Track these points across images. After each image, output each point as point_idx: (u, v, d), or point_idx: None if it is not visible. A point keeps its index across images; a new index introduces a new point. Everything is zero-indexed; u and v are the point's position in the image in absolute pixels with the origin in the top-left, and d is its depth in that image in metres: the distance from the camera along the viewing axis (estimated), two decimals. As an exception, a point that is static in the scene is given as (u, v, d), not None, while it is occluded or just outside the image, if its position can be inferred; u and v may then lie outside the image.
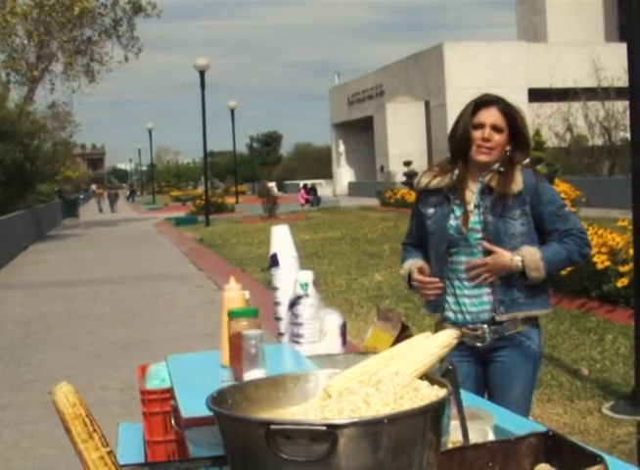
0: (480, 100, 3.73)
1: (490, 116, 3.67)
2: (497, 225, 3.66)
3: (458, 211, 3.74)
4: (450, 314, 3.80)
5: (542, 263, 3.59)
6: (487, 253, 3.66)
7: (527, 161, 4.01)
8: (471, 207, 3.72)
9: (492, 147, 3.66)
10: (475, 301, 3.74)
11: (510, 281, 3.68)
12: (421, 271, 3.81)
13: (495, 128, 3.66)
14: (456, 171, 3.77)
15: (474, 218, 3.71)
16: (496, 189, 3.67)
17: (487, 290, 3.72)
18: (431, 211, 3.82)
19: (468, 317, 3.75)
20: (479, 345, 3.73)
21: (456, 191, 3.75)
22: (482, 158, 3.68)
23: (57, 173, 44.43)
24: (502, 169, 3.69)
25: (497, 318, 3.70)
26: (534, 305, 3.77)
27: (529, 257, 3.59)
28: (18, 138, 29.80)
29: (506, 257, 3.60)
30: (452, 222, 3.74)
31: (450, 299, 3.81)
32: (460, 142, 3.74)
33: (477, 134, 3.67)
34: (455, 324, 3.71)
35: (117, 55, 47.53)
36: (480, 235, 3.68)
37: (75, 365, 9.73)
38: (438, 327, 3.73)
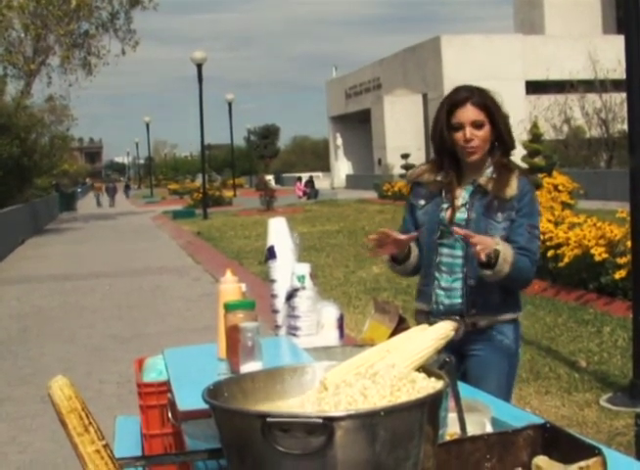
0: (454, 100, 3.68)
1: (467, 114, 3.62)
2: (479, 223, 3.64)
3: (446, 206, 3.75)
4: (429, 304, 3.80)
5: (511, 259, 3.52)
6: (468, 248, 3.64)
7: (524, 166, 3.98)
8: (459, 202, 3.72)
9: (477, 145, 3.63)
10: (449, 293, 3.74)
11: (484, 283, 3.63)
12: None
13: (475, 125, 3.62)
14: (445, 169, 3.77)
15: (459, 215, 3.70)
16: (491, 192, 3.65)
17: (461, 285, 3.71)
18: (422, 202, 3.84)
19: (442, 308, 3.74)
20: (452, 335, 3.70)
21: (447, 187, 3.75)
22: (472, 158, 3.67)
23: (54, 167, 44.37)
24: (495, 176, 3.68)
25: (467, 320, 3.67)
26: (507, 309, 3.74)
27: (503, 246, 3.53)
28: (15, 132, 29.78)
29: (488, 238, 3.54)
30: (441, 215, 3.75)
31: (431, 289, 3.81)
32: (441, 144, 3.74)
33: (458, 136, 3.64)
34: (430, 313, 3.72)
35: (115, 48, 47.49)
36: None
37: (73, 359, 9.73)
38: (417, 318, 3.79)
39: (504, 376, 3.78)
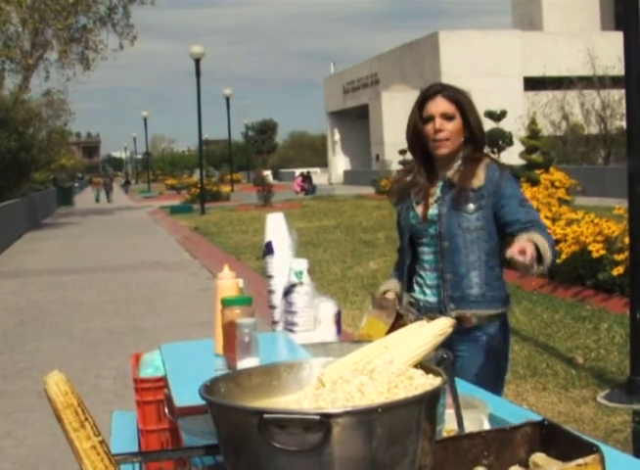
0: (425, 93, 3.70)
1: (437, 105, 3.63)
2: (450, 218, 3.65)
3: (418, 204, 3.77)
4: (414, 302, 3.79)
5: (546, 243, 3.41)
6: (442, 243, 3.65)
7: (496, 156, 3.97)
8: (432, 200, 3.72)
9: (447, 137, 3.63)
10: (434, 291, 3.74)
11: (461, 277, 3.64)
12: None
13: (445, 116, 3.63)
14: (417, 165, 3.79)
15: (432, 211, 3.71)
16: (457, 184, 3.66)
17: (439, 281, 3.71)
18: (399, 207, 3.90)
19: (428, 305, 3.73)
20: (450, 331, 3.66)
21: (418, 185, 3.76)
22: (442, 151, 3.66)
23: (52, 162, 44.36)
24: (462, 169, 3.68)
25: (446, 315, 3.64)
26: (488, 304, 3.68)
27: (535, 237, 3.41)
28: (12, 126, 29.76)
29: (523, 238, 3.38)
30: (411, 214, 3.77)
31: (417, 288, 3.83)
32: (413, 138, 3.75)
33: (428, 128, 3.65)
34: (419, 310, 3.71)
35: (112, 43, 47.46)
36: (436, 226, 3.68)
37: (70, 353, 9.73)
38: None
39: (492, 376, 3.71)
